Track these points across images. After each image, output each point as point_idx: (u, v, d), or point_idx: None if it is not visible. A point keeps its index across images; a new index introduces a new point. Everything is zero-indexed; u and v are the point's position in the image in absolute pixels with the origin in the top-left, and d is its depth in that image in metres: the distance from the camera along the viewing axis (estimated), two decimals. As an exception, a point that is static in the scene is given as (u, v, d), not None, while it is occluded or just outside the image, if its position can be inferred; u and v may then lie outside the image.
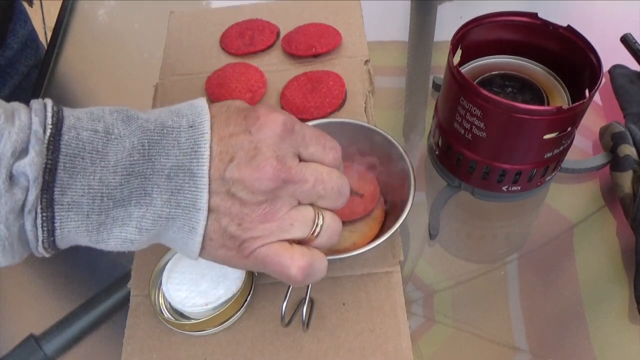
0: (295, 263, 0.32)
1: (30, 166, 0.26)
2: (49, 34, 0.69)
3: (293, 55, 0.60)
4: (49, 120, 0.28)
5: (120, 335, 0.42)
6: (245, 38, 0.62)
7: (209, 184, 0.30)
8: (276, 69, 0.60)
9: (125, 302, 0.44)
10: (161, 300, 0.42)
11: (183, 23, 0.66)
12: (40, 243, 0.28)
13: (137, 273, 0.45)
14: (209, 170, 0.30)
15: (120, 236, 0.30)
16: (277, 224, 0.32)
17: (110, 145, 0.29)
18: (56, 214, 0.28)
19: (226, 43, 0.62)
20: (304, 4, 0.66)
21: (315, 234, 0.34)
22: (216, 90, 0.57)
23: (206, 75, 0.59)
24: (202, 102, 0.32)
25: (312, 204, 0.34)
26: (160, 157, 0.30)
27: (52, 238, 0.28)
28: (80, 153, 0.28)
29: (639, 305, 0.42)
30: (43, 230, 0.28)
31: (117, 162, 0.29)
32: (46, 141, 0.27)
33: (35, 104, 0.28)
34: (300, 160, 0.33)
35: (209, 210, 0.31)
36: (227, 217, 0.31)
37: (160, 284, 0.42)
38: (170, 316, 0.41)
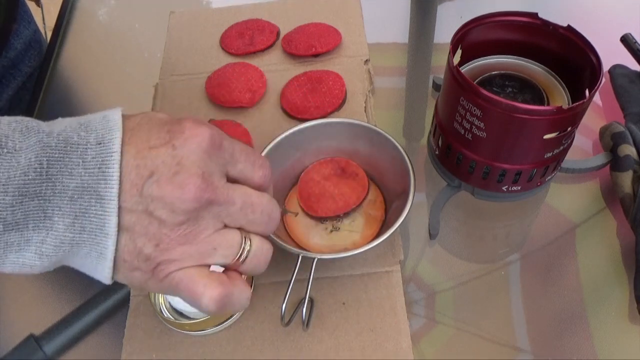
0: (208, 292, 0.30)
1: None
2: (49, 34, 0.69)
3: (293, 55, 0.60)
4: None
5: (120, 335, 0.42)
6: (245, 38, 0.62)
7: (122, 202, 0.28)
8: (276, 69, 0.60)
9: (125, 302, 0.44)
10: (161, 300, 0.42)
11: (183, 23, 0.66)
12: None
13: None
14: (121, 187, 0.28)
15: (17, 261, 0.28)
16: (197, 247, 0.30)
17: (2, 160, 0.26)
18: None
19: (226, 43, 0.62)
20: (304, 4, 0.66)
21: (242, 259, 0.31)
22: (216, 90, 0.57)
23: (206, 75, 0.59)
24: (115, 115, 0.29)
25: (239, 228, 0.32)
26: (63, 177, 0.27)
27: None
28: None
29: (639, 305, 0.42)
30: None
31: (8, 181, 0.26)
32: None
33: None
34: (228, 178, 0.31)
35: (123, 229, 0.28)
36: (143, 238, 0.29)
37: (160, 283, 0.42)
38: (170, 316, 0.41)
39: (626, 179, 0.47)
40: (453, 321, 0.43)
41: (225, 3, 0.68)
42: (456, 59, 0.45)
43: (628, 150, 0.47)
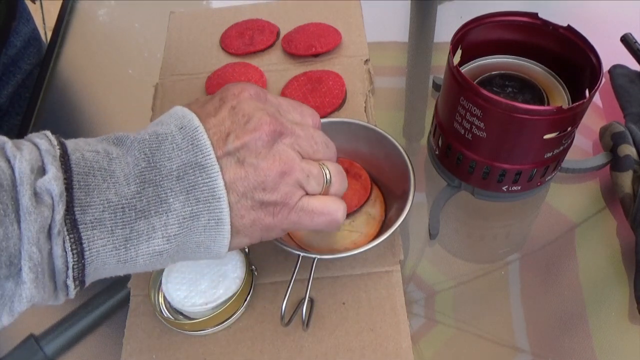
0: (340, 206, 0.35)
1: (54, 181, 0.26)
2: (49, 34, 0.69)
3: (293, 55, 0.60)
4: (54, 142, 0.28)
5: (120, 335, 0.42)
6: (245, 38, 0.62)
7: (220, 165, 0.31)
8: (276, 69, 0.60)
9: (125, 302, 0.44)
10: (161, 300, 0.42)
11: (183, 23, 0.66)
12: (70, 270, 0.27)
13: (137, 273, 0.45)
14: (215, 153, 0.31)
15: (148, 251, 0.30)
16: (296, 176, 0.33)
17: (114, 164, 0.29)
18: (82, 234, 0.27)
19: (226, 43, 0.62)
20: (304, 4, 0.66)
21: (327, 183, 0.35)
22: (216, 90, 0.57)
23: (206, 75, 0.59)
24: (177, 108, 0.33)
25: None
26: (164, 162, 0.30)
27: (82, 261, 0.27)
28: (90, 171, 0.28)
29: (639, 305, 0.42)
30: (73, 254, 0.27)
31: (127, 175, 0.29)
32: (59, 159, 0.27)
33: (32, 135, 0.28)
34: None
35: (228, 189, 0.31)
36: (249, 188, 0.32)
37: (160, 283, 0.42)
38: (170, 316, 0.41)
39: (626, 179, 0.47)
40: (453, 321, 0.43)
41: (225, 3, 0.68)
42: (456, 59, 0.45)
43: (628, 150, 0.47)
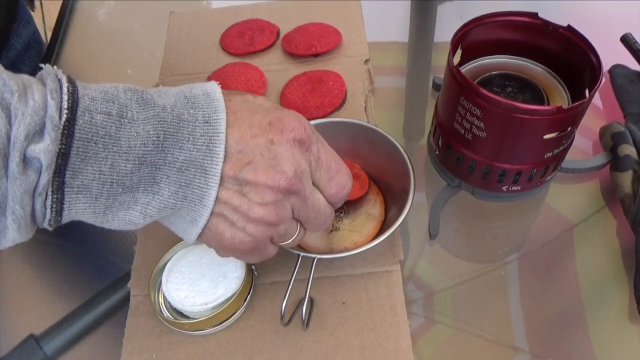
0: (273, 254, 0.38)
1: (44, 153, 0.26)
2: (49, 34, 0.69)
3: (293, 54, 0.60)
4: (65, 104, 0.27)
5: (120, 335, 0.42)
6: (245, 38, 0.62)
7: (221, 180, 0.31)
8: (276, 69, 0.60)
9: (125, 302, 0.44)
10: (161, 300, 0.42)
11: (183, 23, 0.66)
12: (46, 221, 0.28)
13: (137, 273, 0.45)
14: (223, 167, 0.31)
15: (124, 219, 0.31)
16: (277, 230, 0.34)
17: (123, 130, 0.28)
18: (66, 196, 0.28)
19: (226, 43, 0.62)
20: (304, 4, 0.66)
21: (285, 242, 0.37)
22: (216, 90, 0.57)
23: (206, 75, 0.59)
24: (217, 94, 0.32)
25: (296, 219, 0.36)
26: (174, 150, 0.30)
27: (59, 218, 0.29)
28: (93, 138, 0.28)
29: (639, 305, 0.42)
30: (52, 211, 0.28)
31: (130, 150, 0.29)
32: (61, 127, 0.27)
33: (50, 81, 0.27)
34: None
35: (218, 201, 0.32)
36: (235, 214, 0.32)
37: (160, 283, 0.42)
38: (170, 316, 0.41)
39: (626, 179, 0.47)
40: (452, 321, 0.43)
41: (225, 3, 0.68)
42: (456, 59, 0.45)
43: (628, 150, 0.47)
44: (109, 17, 0.71)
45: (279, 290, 0.43)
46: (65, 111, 0.27)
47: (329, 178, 0.35)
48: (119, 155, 0.28)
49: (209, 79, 0.58)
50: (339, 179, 0.36)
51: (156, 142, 0.29)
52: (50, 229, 0.29)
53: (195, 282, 0.41)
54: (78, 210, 0.29)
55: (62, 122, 0.27)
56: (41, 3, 1.00)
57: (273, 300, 0.43)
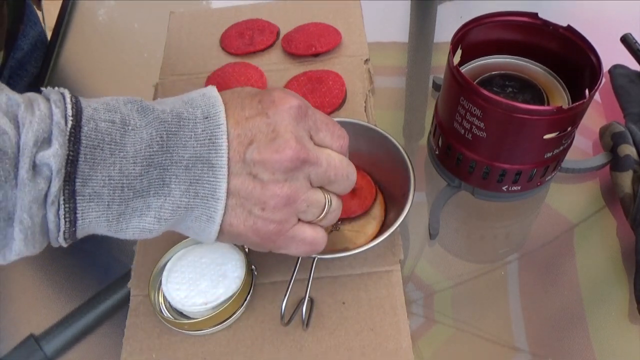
0: (321, 236, 0.36)
1: (54, 157, 0.26)
2: (49, 34, 0.69)
3: (293, 54, 0.60)
4: (69, 112, 0.28)
5: (120, 335, 0.42)
6: (245, 38, 0.62)
7: (229, 169, 0.31)
8: (276, 69, 0.60)
9: (125, 302, 0.44)
10: (161, 300, 0.42)
11: (183, 23, 0.66)
12: (61, 234, 0.28)
13: (137, 273, 0.45)
14: (228, 155, 0.31)
15: (138, 226, 0.31)
16: (296, 205, 0.33)
17: (128, 137, 0.29)
18: (78, 205, 0.28)
19: (226, 43, 0.62)
20: (304, 4, 0.66)
21: (322, 217, 0.35)
22: (216, 90, 0.57)
23: (206, 75, 0.59)
24: (213, 92, 0.33)
25: (321, 187, 0.35)
26: (178, 149, 0.30)
27: (73, 229, 0.29)
28: (99, 144, 0.28)
29: (639, 305, 0.42)
30: (65, 221, 0.28)
31: (136, 153, 0.29)
32: (68, 133, 0.27)
33: (53, 94, 0.28)
34: None
35: (230, 194, 0.32)
36: (249, 202, 0.32)
37: (160, 283, 0.42)
38: (169, 315, 0.41)
39: (626, 179, 0.47)
40: (452, 321, 0.43)
41: (225, 3, 0.68)
42: (456, 59, 0.45)
43: (628, 150, 0.47)
44: (109, 17, 0.71)
45: (279, 290, 0.43)
46: (71, 118, 0.27)
47: (332, 134, 0.35)
48: (127, 160, 0.29)
49: (209, 78, 0.58)
50: (337, 131, 0.36)
51: (160, 142, 0.30)
52: (65, 244, 0.29)
53: (195, 282, 0.41)
54: (92, 219, 0.29)
55: (69, 129, 0.27)
56: (41, 3, 1.00)
57: (273, 300, 0.43)
